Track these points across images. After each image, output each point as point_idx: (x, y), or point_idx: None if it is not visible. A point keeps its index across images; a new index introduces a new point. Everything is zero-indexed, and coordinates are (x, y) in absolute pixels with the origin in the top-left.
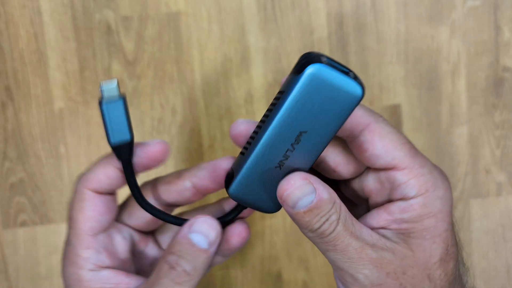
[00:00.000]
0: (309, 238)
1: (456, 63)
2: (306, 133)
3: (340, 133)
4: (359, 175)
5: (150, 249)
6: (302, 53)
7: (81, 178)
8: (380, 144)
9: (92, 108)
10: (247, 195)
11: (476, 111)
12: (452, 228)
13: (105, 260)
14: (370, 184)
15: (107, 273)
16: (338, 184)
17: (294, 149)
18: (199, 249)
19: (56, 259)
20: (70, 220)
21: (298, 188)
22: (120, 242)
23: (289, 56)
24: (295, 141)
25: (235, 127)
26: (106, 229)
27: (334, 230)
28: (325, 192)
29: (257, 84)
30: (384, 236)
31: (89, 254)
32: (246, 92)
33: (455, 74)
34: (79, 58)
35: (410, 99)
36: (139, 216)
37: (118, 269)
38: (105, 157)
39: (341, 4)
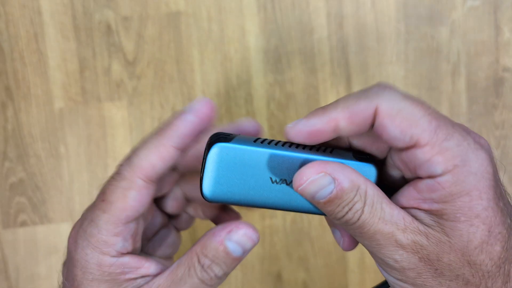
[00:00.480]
0: (337, 224)
1: (456, 63)
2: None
3: (360, 131)
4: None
5: (155, 218)
6: (302, 53)
7: (130, 164)
8: (392, 125)
9: (92, 108)
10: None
11: (476, 111)
12: (496, 205)
13: (129, 246)
14: (396, 162)
15: (128, 259)
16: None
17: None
18: (234, 257)
19: (56, 259)
20: (105, 202)
21: (312, 182)
22: (142, 223)
23: (289, 56)
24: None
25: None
26: (138, 218)
27: (359, 219)
28: (346, 180)
29: (257, 84)
30: (417, 217)
31: (116, 242)
32: (246, 92)
33: (455, 74)
34: (79, 58)
35: None
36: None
37: (137, 253)
38: (156, 135)
39: (341, 4)
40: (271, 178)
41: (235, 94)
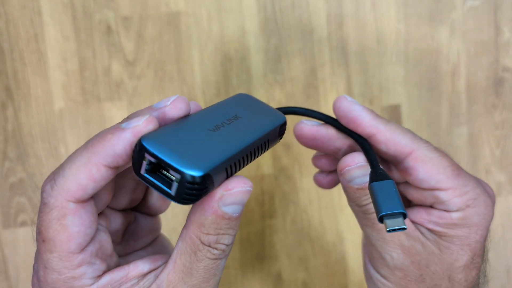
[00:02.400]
0: (352, 210)
1: (456, 63)
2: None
3: (385, 157)
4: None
5: (114, 221)
6: (302, 53)
7: (54, 187)
8: (423, 170)
9: (92, 108)
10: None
11: (476, 111)
12: (484, 241)
13: (101, 266)
14: (413, 193)
15: (108, 276)
16: None
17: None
18: (237, 217)
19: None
20: (45, 243)
21: (360, 167)
22: (106, 239)
23: (289, 56)
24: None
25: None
26: (93, 237)
27: None
28: None
29: (257, 84)
30: (418, 229)
31: (84, 271)
32: (246, 92)
33: (455, 74)
34: (79, 58)
35: (410, 99)
36: (123, 197)
37: (117, 264)
38: (80, 154)
39: (341, 4)
40: (208, 129)
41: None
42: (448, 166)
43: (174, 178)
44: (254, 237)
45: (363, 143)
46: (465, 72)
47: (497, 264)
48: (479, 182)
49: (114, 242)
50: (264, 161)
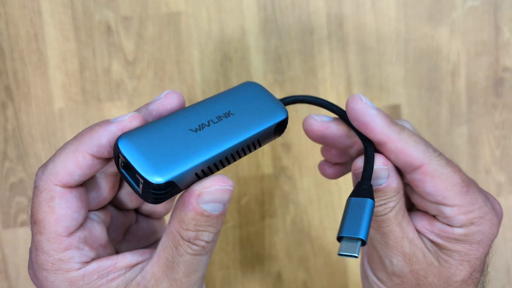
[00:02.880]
0: None
1: (456, 63)
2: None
3: (394, 163)
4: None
5: (117, 219)
6: (302, 53)
7: (44, 171)
8: (431, 185)
9: (92, 108)
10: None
11: (476, 111)
12: (484, 257)
13: (90, 253)
14: (417, 200)
15: (96, 264)
16: None
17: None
18: (217, 215)
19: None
20: (36, 224)
21: (377, 171)
22: (99, 229)
23: (289, 56)
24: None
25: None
26: (82, 224)
27: (385, 214)
28: (395, 181)
29: None
30: (421, 238)
31: (72, 254)
32: None
33: (455, 74)
34: (79, 58)
35: (410, 99)
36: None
37: (106, 254)
38: (70, 143)
39: (341, 4)
40: (190, 129)
41: None
42: (458, 183)
43: (140, 180)
44: (254, 237)
45: (366, 148)
46: (465, 72)
47: (497, 264)
48: (488, 199)
49: (114, 239)
50: (264, 161)
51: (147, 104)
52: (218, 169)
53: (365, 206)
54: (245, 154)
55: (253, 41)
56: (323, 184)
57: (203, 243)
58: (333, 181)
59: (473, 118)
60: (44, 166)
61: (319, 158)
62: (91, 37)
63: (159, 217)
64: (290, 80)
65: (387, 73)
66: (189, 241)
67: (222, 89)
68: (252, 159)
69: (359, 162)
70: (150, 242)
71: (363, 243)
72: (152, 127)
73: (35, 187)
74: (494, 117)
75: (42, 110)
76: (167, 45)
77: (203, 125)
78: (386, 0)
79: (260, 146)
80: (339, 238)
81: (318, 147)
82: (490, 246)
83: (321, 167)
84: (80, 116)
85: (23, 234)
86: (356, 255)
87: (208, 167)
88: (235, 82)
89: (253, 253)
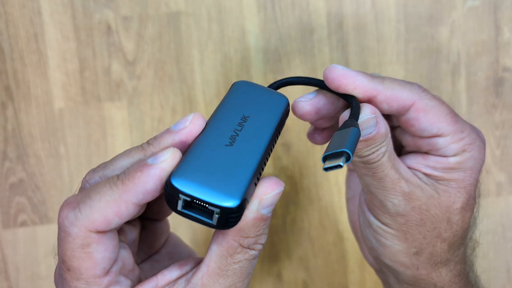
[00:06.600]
0: (352, 162)
1: (456, 63)
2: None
3: (388, 111)
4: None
5: (150, 225)
6: (302, 53)
7: (78, 217)
8: (425, 119)
9: (92, 108)
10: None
11: (476, 111)
12: (476, 184)
13: (126, 282)
14: (408, 140)
15: None
16: None
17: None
18: (270, 216)
19: (56, 259)
20: (71, 271)
21: (366, 121)
22: (127, 255)
23: (289, 56)
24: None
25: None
26: (116, 258)
27: (379, 160)
28: (384, 127)
29: None
30: (416, 175)
31: None
32: None
33: (455, 74)
34: (79, 58)
35: None
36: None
37: (137, 277)
38: (110, 188)
39: (341, 4)
40: (226, 145)
41: None
42: (448, 113)
43: (214, 211)
44: None
45: (350, 99)
46: (465, 72)
47: (497, 264)
48: (473, 127)
49: (133, 253)
50: None
51: (172, 133)
52: (263, 171)
53: (349, 131)
54: (273, 147)
55: (253, 41)
56: (323, 184)
57: (260, 247)
58: (333, 181)
59: (473, 118)
60: (76, 209)
61: (319, 158)
62: (91, 37)
63: (164, 218)
64: None
65: (387, 73)
66: (248, 248)
67: (222, 89)
68: None
69: (346, 113)
70: (160, 244)
71: (348, 157)
72: (193, 156)
73: (66, 233)
74: (494, 117)
75: (42, 110)
76: (167, 45)
77: (233, 137)
78: (386, 0)
79: (279, 135)
80: (324, 158)
81: (318, 147)
82: (480, 172)
83: (310, 135)
84: (80, 116)
85: (23, 234)
86: (341, 163)
87: (259, 172)
88: None
89: None
